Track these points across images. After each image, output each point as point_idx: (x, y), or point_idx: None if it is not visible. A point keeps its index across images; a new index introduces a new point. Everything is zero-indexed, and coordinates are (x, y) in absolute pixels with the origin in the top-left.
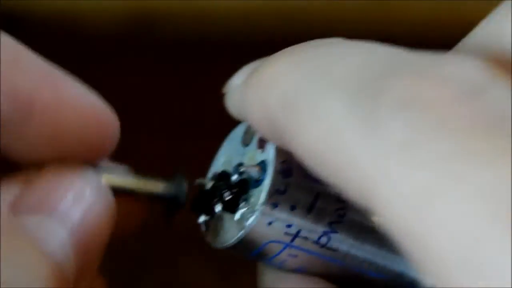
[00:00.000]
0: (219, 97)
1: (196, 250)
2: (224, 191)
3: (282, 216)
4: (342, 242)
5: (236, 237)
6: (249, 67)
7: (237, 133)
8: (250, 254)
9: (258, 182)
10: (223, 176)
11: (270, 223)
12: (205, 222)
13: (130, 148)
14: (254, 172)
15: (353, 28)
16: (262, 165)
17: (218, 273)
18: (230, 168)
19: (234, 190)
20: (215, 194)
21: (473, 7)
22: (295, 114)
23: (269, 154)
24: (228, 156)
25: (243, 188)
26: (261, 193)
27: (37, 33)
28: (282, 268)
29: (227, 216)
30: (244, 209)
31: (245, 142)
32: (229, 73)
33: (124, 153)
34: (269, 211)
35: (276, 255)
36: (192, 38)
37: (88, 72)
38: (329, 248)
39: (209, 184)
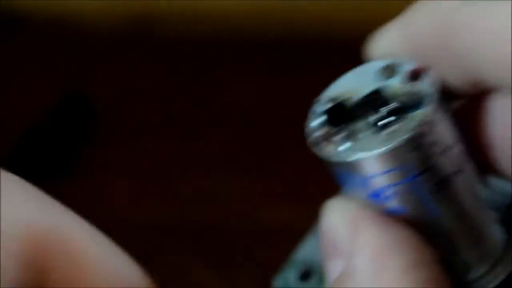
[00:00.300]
0: (219, 97)
1: (196, 250)
2: (378, 106)
3: (425, 147)
4: (449, 196)
5: (377, 151)
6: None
7: (368, 68)
8: (365, 177)
9: (411, 109)
10: (374, 94)
11: (413, 149)
12: (326, 134)
13: (130, 148)
14: (411, 98)
15: (353, 28)
16: (416, 94)
17: (218, 273)
18: (357, 96)
19: (388, 108)
20: (363, 109)
21: None
22: (474, 6)
23: (427, 84)
24: (354, 86)
25: (396, 109)
26: (417, 118)
27: (37, 33)
28: (381, 203)
29: (368, 131)
30: (395, 128)
31: (387, 75)
32: (229, 72)
33: (124, 153)
34: (418, 137)
35: (393, 185)
36: (192, 38)
37: (88, 72)
38: (436, 198)
39: (341, 100)
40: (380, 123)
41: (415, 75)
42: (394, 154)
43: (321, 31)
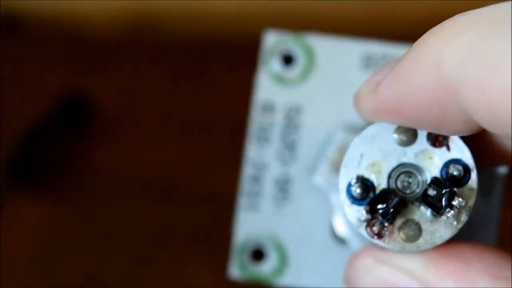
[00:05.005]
0: (219, 98)
1: (196, 250)
2: (437, 190)
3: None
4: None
5: (449, 236)
6: (385, 65)
7: (376, 132)
8: None
9: (453, 180)
10: (405, 168)
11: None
12: (381, 225)
13: (130, 148)
14: (459, 170)
15: (353, 28)
16: (457, 162)
17: (218, 273)
18: (384, 172)
19: (447, 189)
20: (400, 187)
21: (474, 8)
22: (484, 57)
23: (463, 150)
24: (371, 159)
25: (451, 187)
26: (472, 192)
27: (37, 33)
28: None
29: (425, 217)
30: (461, 205)
31: (401, 142)
32: (229, 73)
33: (123, 154)
34: (473, 206)
35: None
36: (192, 38)
37: (88, 73)
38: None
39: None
40: (431, 203)
41: (436, 138)
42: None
43: (321, 31)
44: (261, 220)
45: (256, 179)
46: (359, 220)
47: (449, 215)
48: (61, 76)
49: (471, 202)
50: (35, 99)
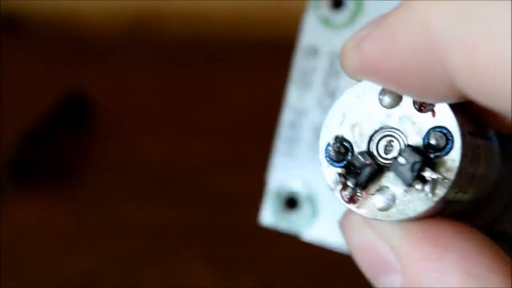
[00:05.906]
0: (219, 98)
1: (196, 251)
2: (407, 159)
3: (459, 182)
4: (461, 204)
5: (424, 209)
6: (373, 20)
7: (360, 91)
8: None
9: (442, 150)
10: (386, 131)
11: (452, 188)
12: (354, 190)
13: (130, 148)
14: (438, 138)
15: None
16: (439, 130)
17: (218, 273)
18: (365, 134)
19: (424, 158)
20: (381, 152)
21: None
22: (476, 19)
23: (448, 117)
24: (353, 119)
25: (417, 149)
26: (453, 163)
27: (37, 33)
28: None
29: (400, 186)
30: (433, 178)
31: (390, 103)
32: (230, 73)
33: (124, 154)
34: (455, 181)
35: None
36: (192, 38)
37: (87, 73)
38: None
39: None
40: (400, 172)
41: (422, 102)
42: (435, 207)
43: None
44: (296, 168)
45: (295, 125)
46: (334, 182)
47: (426, 188)
48: (61, 76)
49: (451, 175)
50: (35, 99)
